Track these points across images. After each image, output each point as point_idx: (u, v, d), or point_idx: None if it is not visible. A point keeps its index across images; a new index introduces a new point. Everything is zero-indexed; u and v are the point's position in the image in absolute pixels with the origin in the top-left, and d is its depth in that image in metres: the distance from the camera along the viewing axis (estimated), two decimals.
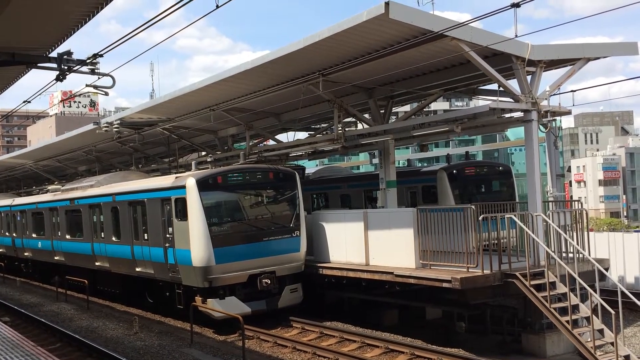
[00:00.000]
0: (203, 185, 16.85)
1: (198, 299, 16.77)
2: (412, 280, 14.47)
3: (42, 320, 18.63)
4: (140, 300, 20.69)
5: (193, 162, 19.70)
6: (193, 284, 16.89)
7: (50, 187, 30.11)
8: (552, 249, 13.73)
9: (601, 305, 12.14)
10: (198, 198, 16.62)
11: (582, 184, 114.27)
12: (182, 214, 17.05)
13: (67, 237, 25.09)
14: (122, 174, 24.85)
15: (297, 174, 18.74)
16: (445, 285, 13.49)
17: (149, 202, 18.79)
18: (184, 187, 16.98)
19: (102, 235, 21.89)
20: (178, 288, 17.68)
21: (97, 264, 22.41)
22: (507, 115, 15.90)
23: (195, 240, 16.58)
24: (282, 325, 17.26)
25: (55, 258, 26.54)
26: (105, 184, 23.03)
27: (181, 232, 17.09)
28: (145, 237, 19.05)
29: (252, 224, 17.50)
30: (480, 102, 17.60)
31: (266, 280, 16.98)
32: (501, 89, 15.27)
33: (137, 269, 19.54)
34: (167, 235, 17.81)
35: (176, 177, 18.20)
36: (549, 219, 14.20)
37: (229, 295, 16.79)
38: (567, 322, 12.39)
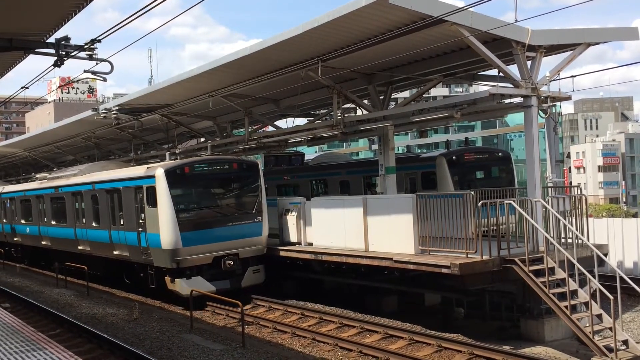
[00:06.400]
0: (171, 175, 18.22)
1: (167, 278, 18.21)
2: (411, 266, 14.49)
3: (43, 306, 18.69)
4: (118, 280, 22.17)
5: (167, 154, 21.24)
6: (163, 265, 18.29)
7: (38, 176, 31.53)
8: (551, 235, 13.72)
9: (600, 290, 12.15)
10: (166, 187, 18.02)
11: (581, 170, 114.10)
12: (153, 201, 18.42)
13: (53, 222, 26.68)
14: (102, 164, 26.65)
15: (259, 164, 20.39)
16: (444, 271, 13.50)
17: (124, 190, 20.23)
18: (153, 176, 18.36)
19: (84, 221, 23.47)
20: (150, 269, 19.04)
21: (79, 247, 23.92)
22: (507, 101, 15.85)
23: (164, 225, 17.95)
24: (281, 311, 17.33)
25: (42, 243, 28.15)
26: (87, 173, 24.61)
27: (152, 217, 18.47)
28: (121, 223, 20.44)
29: (216, 210, 19.00)
30: (480, 88, 17.55)
31: (229, 262, 18.29)
32: (501, 74, 15.18)
33: (115, 252, 21.03)
34: (140, 221, 19.18)
35: (147, 168, 19.65)
36: (548, 204, 14.18)
37: (195, 275, 18.13)
38: (566, 307, 12.40)
